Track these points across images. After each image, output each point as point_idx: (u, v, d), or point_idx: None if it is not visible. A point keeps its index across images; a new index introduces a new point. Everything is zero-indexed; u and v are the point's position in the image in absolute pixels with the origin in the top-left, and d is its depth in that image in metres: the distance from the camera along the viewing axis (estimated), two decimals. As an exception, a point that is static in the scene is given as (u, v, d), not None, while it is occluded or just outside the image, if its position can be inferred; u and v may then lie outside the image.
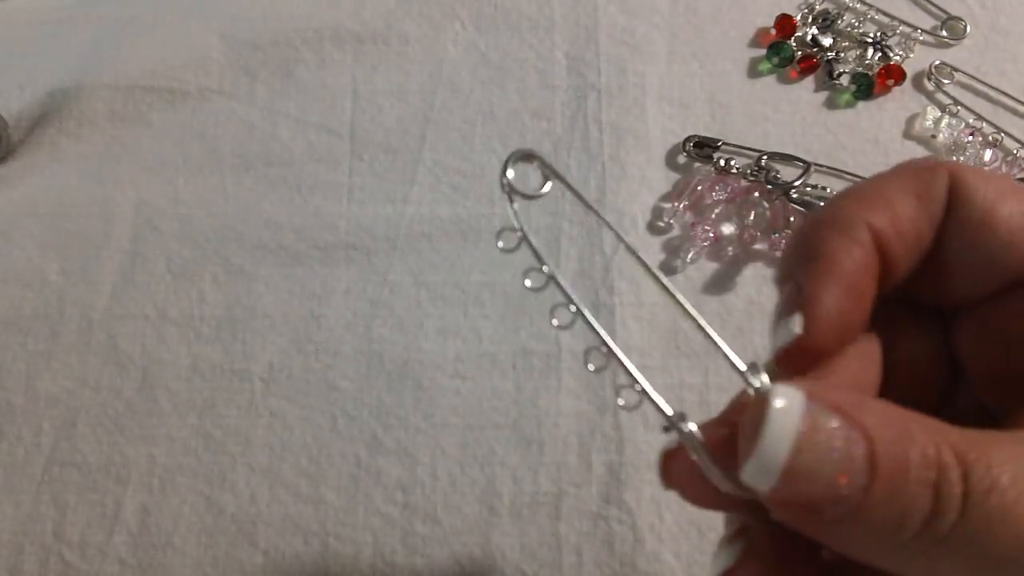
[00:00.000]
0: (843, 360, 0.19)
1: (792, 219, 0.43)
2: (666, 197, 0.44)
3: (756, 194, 0.44)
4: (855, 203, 0.19)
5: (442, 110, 0.46)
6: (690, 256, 0.42)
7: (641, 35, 0.48)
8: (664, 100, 0.46)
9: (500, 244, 0.20)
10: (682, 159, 0.45)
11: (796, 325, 0.18)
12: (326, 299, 0.42)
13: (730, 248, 0.42)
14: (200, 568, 0.37)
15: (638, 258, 0.21)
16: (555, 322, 0.20)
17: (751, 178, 0.43)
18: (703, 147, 0.44)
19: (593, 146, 0.45)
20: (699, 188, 0.43)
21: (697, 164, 0.44)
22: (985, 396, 0.20)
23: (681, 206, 0.43)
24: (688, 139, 0.44)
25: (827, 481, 0.16)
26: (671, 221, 0.43)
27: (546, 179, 0.21)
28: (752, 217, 0.43)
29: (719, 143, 0.44)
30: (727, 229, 0.43)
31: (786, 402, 0.16)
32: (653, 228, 0.43)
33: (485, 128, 0.46)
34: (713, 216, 0.43)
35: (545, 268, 0.20)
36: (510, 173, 0.20)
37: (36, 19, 0.50)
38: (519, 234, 0.20)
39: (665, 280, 0.21)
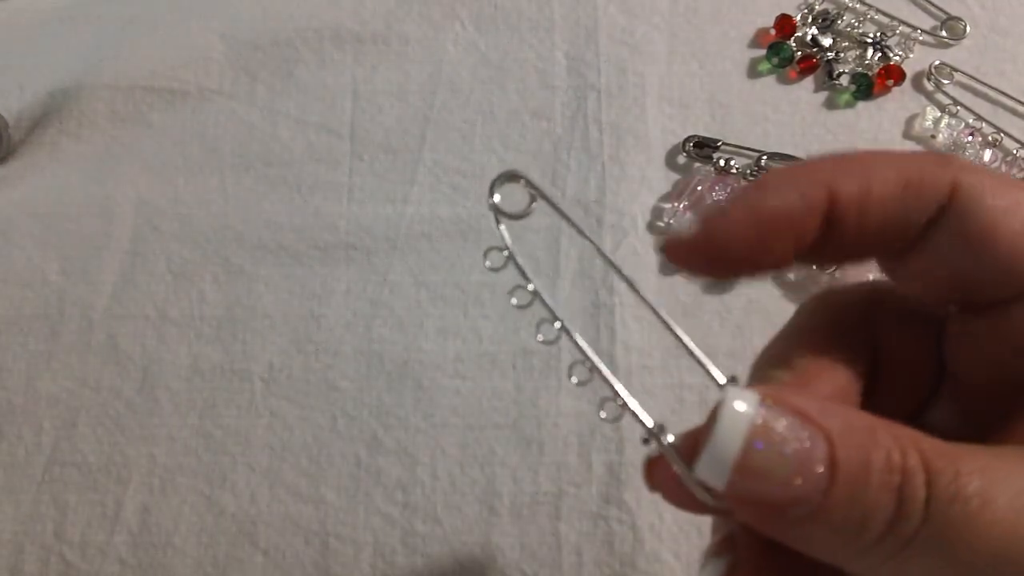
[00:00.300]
0: (826, 363, 0.20)
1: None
2: (666, 197, 0.44)
3: (756, 194, 0.44)
4: (830, 164, 0.19)
5: (442, 110, 0.46)
6: (690, 256, 0.42)
7: (641, 35, 0.48)
8: (664, 100, 0.46)
9: (487, 264, 0.20)
10: (682, 159, 0.45)
11: (687, 226, 0.19)
12: (326, 299, 0.42)
13: (730, 248, 0.42)
14: (200, 568, 0.37)
15: (624, 277, 0.21)
16: (540, 337, 0.20)
17: (751, 178, 0.43)
18: (703, 147, 0.44)
19: (593, 146, 0.45)
20: (699, 188, 0.43)
21: (697, 164, 0.44)
22: (970, 403, 0.20)
23: (681, 206, 0.43)
24: (688, 139, 0.45)
25: (781, 481, 0.16)
26: (671, 221, 0.43)
27: (533, 199, 0.21)
28: (752, 217, 0.43)
29: (719, 143, 0.44)
30: (727, 229, 0.43)
31: (740, 401, 0.16)
32: (653, 228, 0.43)
33: (485, 128, 0.46)
34: (713, 216, 0.43)
35: (530, 286, 0.20)
36: (496, 196, 0.21)
37: (36, 19, 0.50)
38: (506, 253, 0.20)
39: (639, 291, 0.21)
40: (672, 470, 0.18)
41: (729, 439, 0.16)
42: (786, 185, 0.19)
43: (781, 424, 0.16)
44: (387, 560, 0.37)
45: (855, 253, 0.19)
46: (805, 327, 0.21)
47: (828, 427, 0.16)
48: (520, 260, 0.21)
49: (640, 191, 0.44)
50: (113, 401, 0.40)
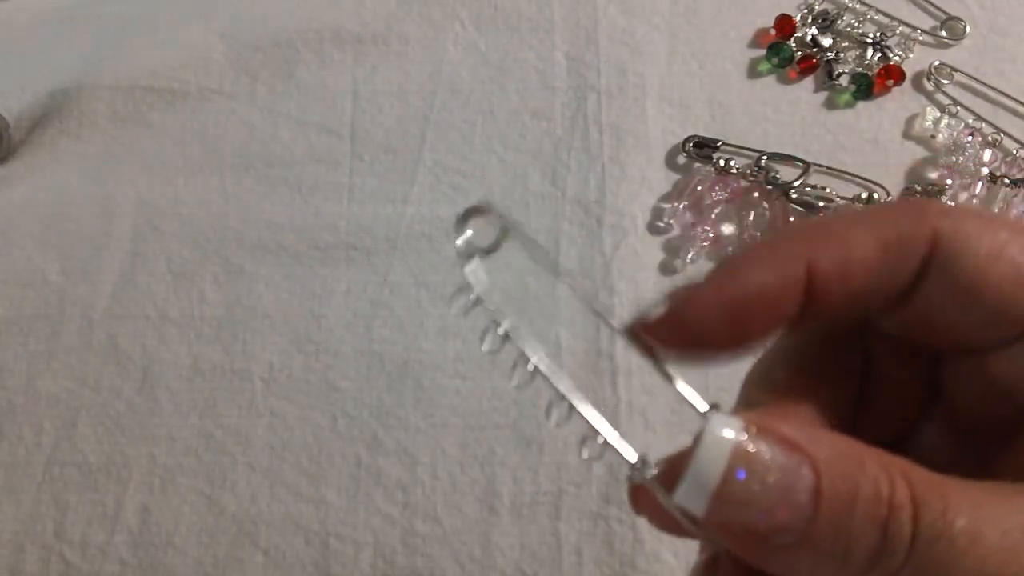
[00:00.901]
0: (816, 380, 0.19)
1: (792, 219, 0.43)
2: (666, 197, 0.44)
3: (756, 194, 0.44)
4: (807, 234, 0.18)
5: (442, 110, 0.46)
6: (690, 256, 0.42)
7: (641, 36, 0.48)
8: (664, 100, 0.46)
9: (453, 311, 0.20)
10: (682, 159, 0.45)
11: (655, 309, 0.19)
12: (326, 299, 0.42)
13: (730, 248, 0.42)
14: (201, 568, 0.37)
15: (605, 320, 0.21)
16: (514, 382, 0.20)
17: (751, 178, 0.43)
18: (703, 147, 0.44)
19: (593, 147, 0.45)
20: (699, 188, 0.43)
21: (697, 164, 0.44)
22: (964, 427, 0.20)
23: (681, 206, 0.43)
24: (688, 139, 0.45)
25: (762, 509, 0.16)
26: (671, 221, 0.43)
27: (505, 231, 0.20)
28: (752, 217, 0.43)
29: (719, 143, 0.44)
30: (727, 229, 0.43)
31: (723, 428, 0.16)
32: (653, 228, 0.43)
33: (485, 128, 0.46)
34: (713, 216, 0.43)
35: (500, 330, 0.20)
36: (460, 239, 0.20)
37: (36, 19, 0.50)
38: (473, 297, 0.20)
39: (611, 324, 0.21)
40: (656, 497, 0.18)
41: (709, 467, 0.16)
42: (761, 263, 0.18)
43: (765, 452, 0.16)
44: (387, 560, 0.37)
45: (840, 319, 0.19)
46: (796, 341, 0.21)
47: (815, 456, 0.16)
48: (489, 301, 0.20)
49: (640, 191, 0.44)
50: (113, 401, 0.40)
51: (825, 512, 0.15)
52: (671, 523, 0.18)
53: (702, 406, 0.18)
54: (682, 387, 0.19)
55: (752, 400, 0.20)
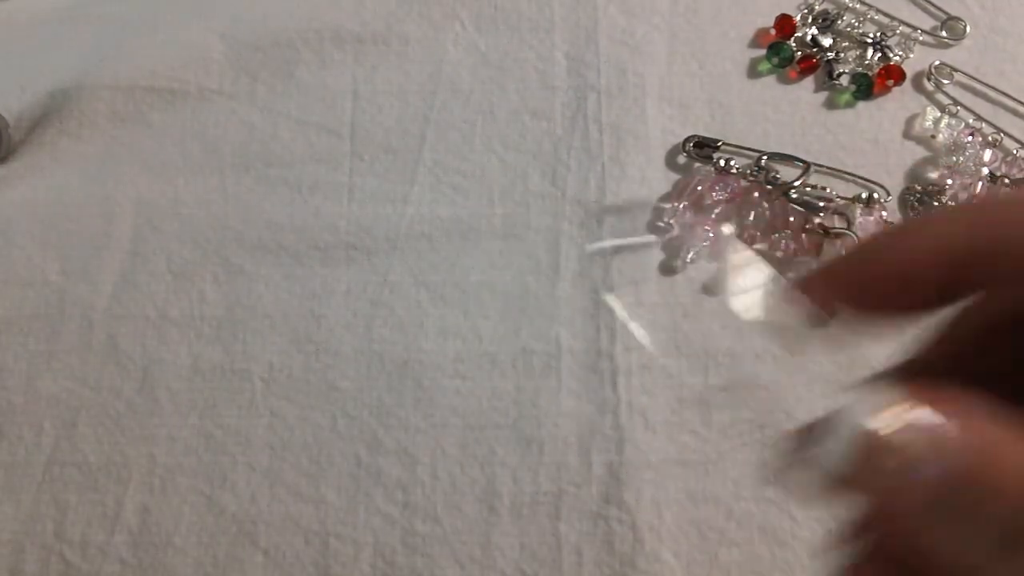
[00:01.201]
0: (970, 353, 0.19)
1: (792, 219, 0.43)
2: (666, 197, 0.44)
3: (756, 194, 0.44)
4: (970, 207, 0.18)
5: (442, 110, 0.46)
6: (690, 256, 0.42)
7: (641, 36, 0.48)
8: (664, 100, 0.46)
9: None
10: (682, 159, 0.45)
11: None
12: (326, 299, 0.42)
13: (730, 249, 0.42)
14: (201, 568, 0.37)
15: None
16: None
17: (751, 178, 0.43)
18: (703, 147, 0.44)
19: (593, 146, 0.45)
20: (699, 188, 0.43)
21: (697, 164, 0.44)
22: None
23: (681, 206, 0.43)
24: (688, 139, 0.45)
25: (912, 472, 0.15)
26: (671, 221, 0.43)
27: None
28: (752, 217, 0.43)
29: (719, 143, 0.44)
30: (727, 229, 0.43)
31: (874, 394, 0.16)
32: (653, 228, 0.43)
33: (485, 128, 0.46)
34: (713, 216, 0.43)
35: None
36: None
37: (36, 19, 0.50)
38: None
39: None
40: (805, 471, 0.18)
41: (854, 426, 0.15)
42: (925, 225, 0.18)
43: (918, 417, 0.15)
44: (387, 560, 0.37)
45: (997, 306, 0.18)
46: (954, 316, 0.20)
47: (972, 424, 0.15)
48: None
49: (640, 191, 0.44)
50: (113, 401, 0.40)
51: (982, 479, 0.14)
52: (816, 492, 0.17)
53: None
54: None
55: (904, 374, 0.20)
